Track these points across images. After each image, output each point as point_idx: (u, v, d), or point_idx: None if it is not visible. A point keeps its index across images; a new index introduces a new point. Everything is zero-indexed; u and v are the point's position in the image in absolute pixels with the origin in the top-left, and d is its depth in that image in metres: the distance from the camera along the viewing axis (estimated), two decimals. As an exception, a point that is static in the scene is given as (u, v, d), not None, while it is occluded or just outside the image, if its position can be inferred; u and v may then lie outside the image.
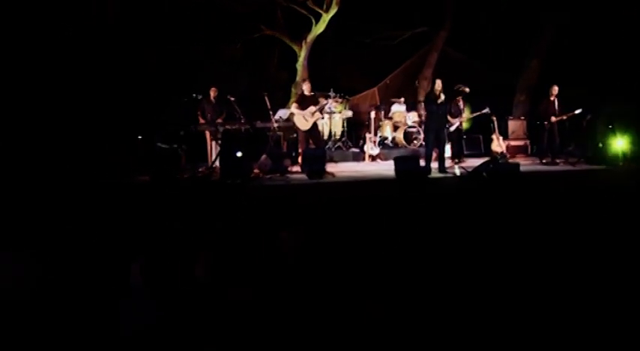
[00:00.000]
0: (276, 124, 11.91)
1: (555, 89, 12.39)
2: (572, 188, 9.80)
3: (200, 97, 11.81)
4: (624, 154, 11.29)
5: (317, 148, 11.59)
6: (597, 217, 7.07)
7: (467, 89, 12.43)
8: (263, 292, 3.80)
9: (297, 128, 11.81)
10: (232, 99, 11.56)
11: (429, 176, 10.38)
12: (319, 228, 5.18)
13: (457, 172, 10.62)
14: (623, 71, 14.67)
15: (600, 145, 11.93)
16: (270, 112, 11.69)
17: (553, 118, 12.30)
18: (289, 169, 11.30)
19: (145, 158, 10.48)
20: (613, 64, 14.95)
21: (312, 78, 14.19)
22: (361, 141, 14.00)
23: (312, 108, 11.57)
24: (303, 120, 11.57)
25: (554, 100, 12.39)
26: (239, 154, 10.22)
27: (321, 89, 13.97)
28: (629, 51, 14.84)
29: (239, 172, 10.05)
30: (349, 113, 14.49)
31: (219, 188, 9.26)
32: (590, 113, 12.38)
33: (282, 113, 12.75)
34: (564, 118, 12.31)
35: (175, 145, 10.40)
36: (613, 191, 9.04)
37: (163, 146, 10.44)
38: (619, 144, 11.38)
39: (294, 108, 11.85)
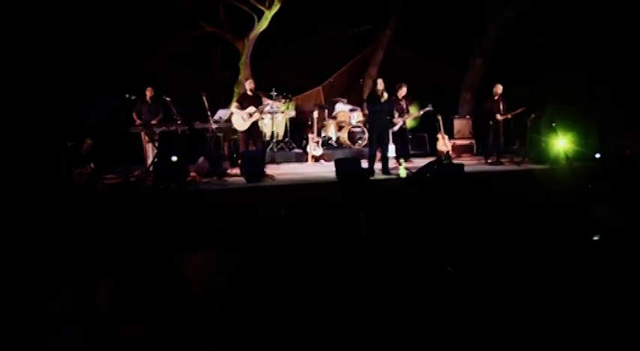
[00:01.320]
0: (215, 125, 11.47)
1: (499, 88, 12.28)
2: (515, 188, 9.72)
3: (134, 97, 11.24)
4: (566, 154, 11.27)
5: (256, 150, 11.19)
6: (539, 217, 6.97)
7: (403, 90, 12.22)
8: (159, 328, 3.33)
9: (236, 129, 11.40)
10: (168, 99, 11.06)
11: (372, 178, 10.10)
12: (238, 245, 4.68)
13: (402, 173, 10.36)
14: (567, 70, 14.73)
15: (544, 144, 11.90)
16: (209, 113, 11.21)
17: (498, 117, 12.19)
18: (229, 171, 10.86)
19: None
20: (557, 63, 15.00)
21: (255, 77, 13.78)
22: (304, 141, 13.63)
23: (252, 108, 11.17)
24: (241, 120, 11.15)
25: (498, 99, 12.28)
26: (174, 158, 9.73)
27: (265, 88, 13.59)
28: (573, 49, 14.90)
29: (174, 175, 9.55)
30: (292, 113, 14.10)
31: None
32: (535, 112, 12.34)
33: (222, 113, 12.28)
34: (509, 116, 12.21)
35: (61, 150, 9.69)
36: (554, 191, 9.00)
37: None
38: (561, 143, 11.37)
39: (234, 108, 11.42)
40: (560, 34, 15.18)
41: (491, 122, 12.25)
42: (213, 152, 11.27)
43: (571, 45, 14.93)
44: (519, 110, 12.06)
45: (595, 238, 5.26)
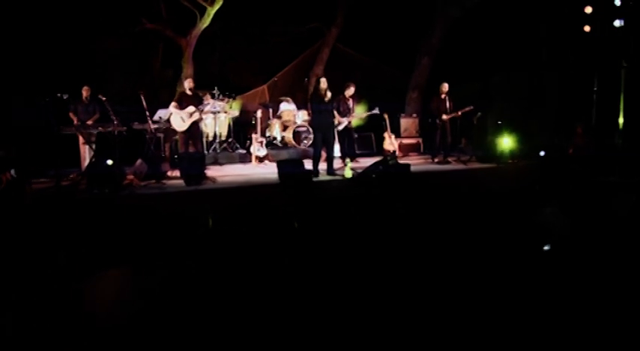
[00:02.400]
0: (154, 126, 11.02)
1: (445, 87, 12.17)
2: (462, 188, 9.65)
3: (66, 96, 10.67)
4: (512, 152, 11.29)
5: (195, 151, 10.80)
6: (485, 216, 6.88)
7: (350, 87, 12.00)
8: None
9: (175, 129, 11.00)
10: (104, 99, 10.51)
11: (316, 179, 9.85)
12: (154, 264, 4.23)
13: (347, 173, 10.13)
14: (513, 69, 14.81)
15: (490, 143, 11.92)
16: (147, 113, 10.76)
17: (444, 116, 12.09)
18: (169, 173, 10.43)
19: None
20: (503, 62, 15.06)
21: (199, 75, 13.39)
22: (248, 142, 13.25)
23: (191, 108, 10.76)
24: (180, 121, 10.75)
25: (445, 98, 12.17)
26: (109, 162, 9.25)
27: (210, 87, 13.19)
28: (519, 48, 14.98)
29: (108, 179, 9.07)
30: (236, 112, 13.68)
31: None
32: (481, 111, 12.33)
33: (162, 113, 11.81)
34: (457, 114, 12.11)
35: None
36: (500, 189, 8.98)
37: None
38: (506, 142, 11.40)
39: (172, 108, 10.99)
40: (505, 33, 15.24)
41: (437, 121, 12.13)
42: (152, 154, 10.84)
43: (516, 44, 15.00)
44: (466, 109, 12.00)
45: (546, 247, 5.15)
